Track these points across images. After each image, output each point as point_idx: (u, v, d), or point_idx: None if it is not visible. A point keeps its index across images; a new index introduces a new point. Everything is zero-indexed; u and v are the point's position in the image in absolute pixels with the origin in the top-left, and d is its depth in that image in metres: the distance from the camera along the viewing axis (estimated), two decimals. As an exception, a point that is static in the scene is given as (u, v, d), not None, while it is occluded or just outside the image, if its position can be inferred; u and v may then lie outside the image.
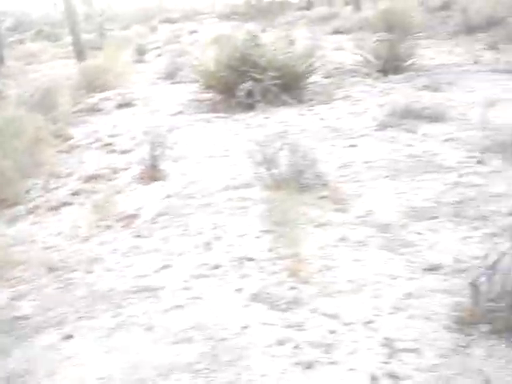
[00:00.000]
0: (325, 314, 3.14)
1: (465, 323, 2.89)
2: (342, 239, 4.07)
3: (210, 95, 9.54)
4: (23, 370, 2.94)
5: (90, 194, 5.54)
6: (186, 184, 5.63)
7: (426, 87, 8.62)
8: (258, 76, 8.80)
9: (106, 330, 3.21)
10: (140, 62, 14.96)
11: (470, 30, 13.47)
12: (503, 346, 2.73)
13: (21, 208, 5.38)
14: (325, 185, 5.02)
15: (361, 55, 10.51)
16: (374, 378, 2.59)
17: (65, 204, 5.41)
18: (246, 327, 3.09)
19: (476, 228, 3.99)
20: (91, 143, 7.57)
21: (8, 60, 16.21)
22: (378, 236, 4.07)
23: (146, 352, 2.97)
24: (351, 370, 2.67)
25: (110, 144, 7.41)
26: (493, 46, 11.97)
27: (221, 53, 9.46)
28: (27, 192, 5.80)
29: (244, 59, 9.10)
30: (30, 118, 6.89)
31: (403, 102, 7.47)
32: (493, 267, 2.87)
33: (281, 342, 2.92)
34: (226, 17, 23.49)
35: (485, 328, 2.84)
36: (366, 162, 5.67)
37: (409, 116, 7.04)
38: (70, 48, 16.16)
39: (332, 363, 2.73)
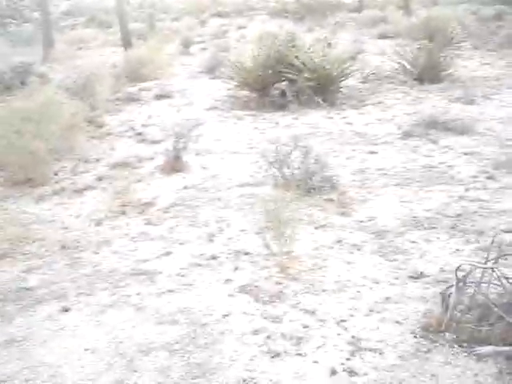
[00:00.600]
0: (303, 310, 3.33)
1: (431, 330, 3.03)
2: (339, 242, 4.24)
3: (246, 92, 9.74)
4: (21, 336, 3.25)
5: (113, 181, 5.85)
6: (205, 177, 5.87)
7: (459, 99, 8.60)
8: (292, 77, 9.00)
9: (101, 307, 3.49)
10: (185, 55, 15.25)
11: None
12: (463, 355, 2.86)
13: (47, 188, 5.74)
14: (334, 188, 5.19)
15: (398, 62, 10.51)
16: (333, 372, 2.78)
17: (88, 188, 5.74)
18: (227, 315, 3.32)
19: (469, 242, 4.10)
20: (124, 131, 7.89)
21: (58, 44, 16.68)
22: (373, 241, 4.22)
23: (132, 330, 3.23)
24: (315, 362, 2.86)
25: (142, 133, 7.72)
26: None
27: (259, 51, 9.63)
28: (56, 174, 6.16)
29: (280, 59, 9.30)
30: (69, 103, 7.24)
31: (432, 112, 7.54)
32: (463, 280, 2.99)
33: (256, 332, 3.14)
34: (277, 14, 23.55)
35: (450, 337, 2.98)
36: (381, 169, 5.79)
37: (435, 127, 7.10)
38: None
39: (298, 355, 2.93)
